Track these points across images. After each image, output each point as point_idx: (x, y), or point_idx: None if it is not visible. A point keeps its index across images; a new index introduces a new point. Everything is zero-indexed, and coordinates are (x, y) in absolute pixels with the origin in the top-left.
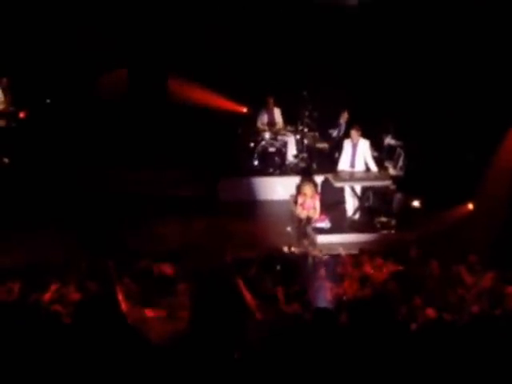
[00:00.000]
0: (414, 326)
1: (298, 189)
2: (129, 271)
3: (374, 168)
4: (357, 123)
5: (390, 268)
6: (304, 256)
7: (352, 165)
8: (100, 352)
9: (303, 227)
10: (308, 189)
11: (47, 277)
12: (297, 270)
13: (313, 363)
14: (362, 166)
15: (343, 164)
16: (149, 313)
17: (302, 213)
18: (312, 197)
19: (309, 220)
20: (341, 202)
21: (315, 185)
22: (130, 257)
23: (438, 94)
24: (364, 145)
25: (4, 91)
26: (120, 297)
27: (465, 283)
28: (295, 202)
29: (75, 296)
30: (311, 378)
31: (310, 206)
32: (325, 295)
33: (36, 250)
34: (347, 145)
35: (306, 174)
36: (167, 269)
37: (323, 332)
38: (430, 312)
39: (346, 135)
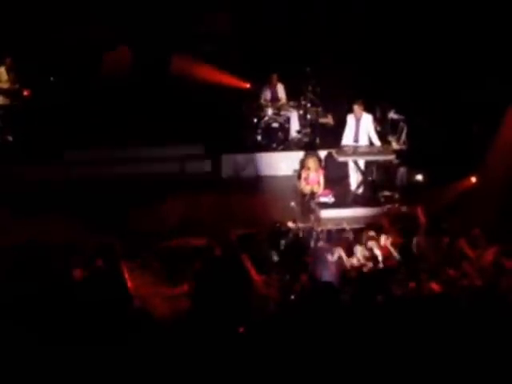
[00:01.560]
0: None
1: (302, 163)
2: (149, 250)
3: (377, 142)
4: (360, 98)
5: (394, 241)
6: (309, 231)
7: (355, 139)
8: (106, 326)
9: (307, 202)
10: (312, 163)
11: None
12: (302, 245)
13: (316, 337)
14: (365, 140)
15: (347, 139)
16: (169, 291)
17: (306, 187)
18: (316, 171)
19: (313, 195)
20: (344, 176)
21: (319, 159)
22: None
23: (441, 67)
24: (367, 119)
25: (8, 70)
26: (126, 275)
27: (467, 257)
28: (299, 177)
29: (78, 274)
30: (315, 352)
31: (314, 181)
32: (329, 269)
33: (41, 231)
34: (350, 120)
35: (310, 149)
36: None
37: (326, 306)
38: (435, 286)
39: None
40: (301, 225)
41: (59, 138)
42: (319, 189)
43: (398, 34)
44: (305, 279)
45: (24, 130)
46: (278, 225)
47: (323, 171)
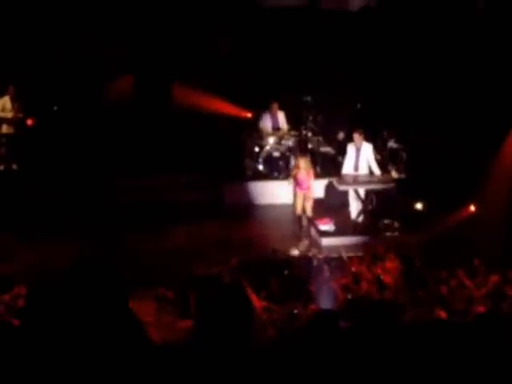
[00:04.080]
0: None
1: (294, 164)
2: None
3: (377, 171)
4: (359, 127)
5: (396, 269)
6: (310, 259)
7: (356, 168)
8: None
9: (304, 227)
10: (303, 162)
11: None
12: (303, 273)
13: (318, 364)
14: (365, 169)
15: (347, 168)
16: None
17: (298, 202)
18: (306, 170)
19: (311, 220)
20: (345, 205)
21: (310, 161)
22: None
23: (439, 97)
24: (367, 148)
25: (12, 99)
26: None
27: (466, 286)
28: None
29: None
30: (317, 378)
31: (304, 183)
32: (331, 297)
33: (44, 257)
34: (351, 149)
35: (302, 151)
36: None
37: (325, 334)
38: (442, 314)
39: (350, 139)
40: (300, 251)
41: (63, 166)
42: (309, 193)
43: (397, 64)
44: (306, 307)
45: (28, 158)
46: (278, 253)
47: (313, 174)
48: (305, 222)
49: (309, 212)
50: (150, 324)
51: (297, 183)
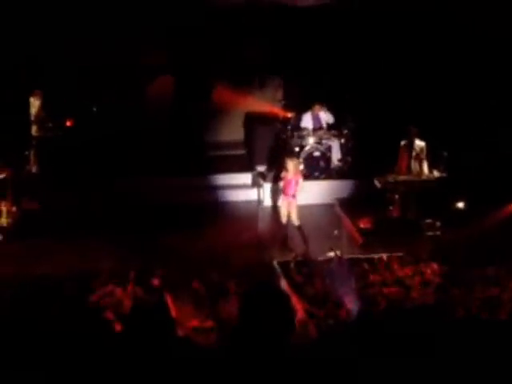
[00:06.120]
0: None
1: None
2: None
3: (425, 169)
4: (413, 124)
5: (437, 270)
6: (349, 259)
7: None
8: (149, 359)
9: (285, 230)
10: (291, 165)
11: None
12: (342, 275)
13: (357, 364)
14: (417, 167)
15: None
16: (195, 323)
17: (283, 209)
18: (294, 174)
19: (300, 229)
20: (386, 203)
21: (299, 164)
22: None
23: (481, 95)
24: (418, 146)
25: (36, 102)
26: (170, 304)
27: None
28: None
29: (127, 303)
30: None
31: (290, 187)
32: (371, 298)
33: (85, 258)
34: (404, 144)
35: (291, 154)
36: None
37: (367, 337)
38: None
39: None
40: (338, 253)
41: (104, 167)
42: (294, 205)
43: (436, 60)
44: (345, 309)
45: (65, 160)
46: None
47: (301, 177)
48: (291, 231)
49: (295, 221)
50: (189, 327)
51: (283, 187)
